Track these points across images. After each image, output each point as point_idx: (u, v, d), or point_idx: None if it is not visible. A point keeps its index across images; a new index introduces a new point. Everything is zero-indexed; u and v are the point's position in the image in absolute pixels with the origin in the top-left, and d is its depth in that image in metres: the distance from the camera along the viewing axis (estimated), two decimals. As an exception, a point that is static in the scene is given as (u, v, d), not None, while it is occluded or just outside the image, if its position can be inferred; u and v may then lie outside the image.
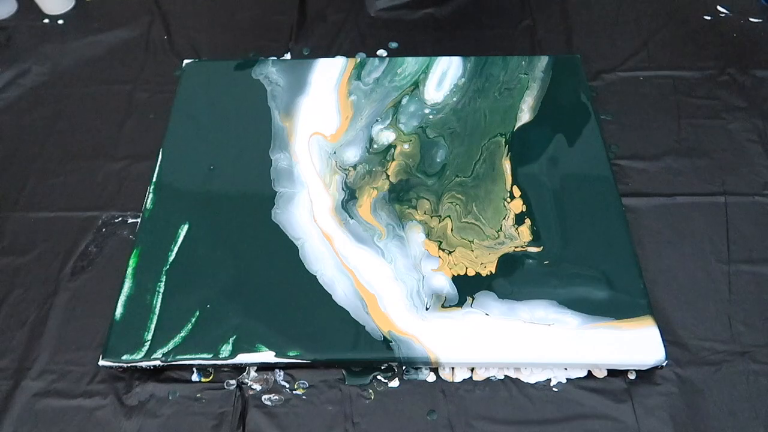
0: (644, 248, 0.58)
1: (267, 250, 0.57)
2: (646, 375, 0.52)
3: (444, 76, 0.70)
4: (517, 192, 0.60)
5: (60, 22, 0.80)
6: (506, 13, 0.80)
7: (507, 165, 0.62)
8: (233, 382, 0.52)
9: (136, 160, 0.66)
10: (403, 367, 0.52)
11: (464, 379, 0.52)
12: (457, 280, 0.54)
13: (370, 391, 0.51)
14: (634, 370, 0.52)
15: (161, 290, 0.54)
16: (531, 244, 0.57)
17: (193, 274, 0.55)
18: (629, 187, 0.63)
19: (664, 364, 0.50)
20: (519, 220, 0.58)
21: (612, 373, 0.52)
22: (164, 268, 0.56)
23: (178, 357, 0.51)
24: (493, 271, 0.55)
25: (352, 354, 0.51)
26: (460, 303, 0.53)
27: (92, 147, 0.67)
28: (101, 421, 0.50)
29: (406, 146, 0.64)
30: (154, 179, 0.62)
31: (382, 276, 0.55)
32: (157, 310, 0.53)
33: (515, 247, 0.57)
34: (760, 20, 0.78)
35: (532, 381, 0.52)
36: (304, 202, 0.60)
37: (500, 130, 0.65)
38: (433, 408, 0.51)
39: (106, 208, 0.62)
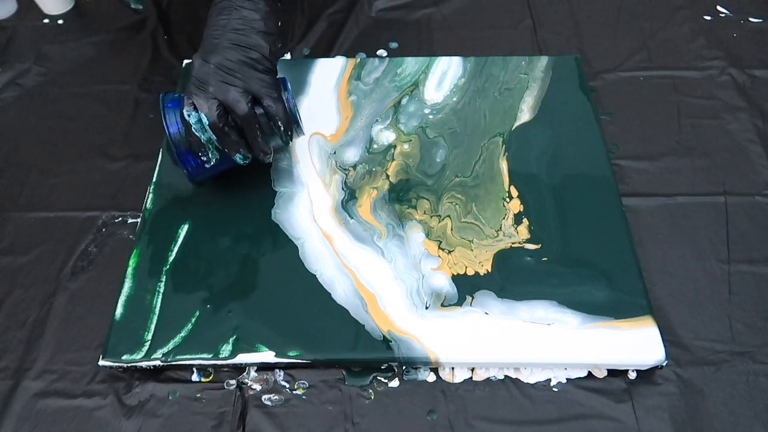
0: (644, 248, 0.58)
1: (267, 249, 0.57)
2: (646, 375, 0.52)
3: (444, 76, 0.70)
4: (515, 192, 0.60)
5: (60, 22, 0.80)
6: (506, 13, 0.80)
7: (504, 165, 0.62)
8: (233, 382, 0.52)
9: (136, 160, 0.66)
10: (403, 367, 0.52)
11: (464, 380, 0.52)
12: (456, 279, 0.54)
13: (370, 391, 0.51)
14: (634, 370, 0.52)
15: (161, 290, 0.54)
16: (529, 242, 0.57)
17: (193, 274, 0.55)
18: (629, 187, 0.63)
19: (664, 364, 0.50)
20: (518, 220, 0.58)
21: (612, 373, 0.52)
22: (164, 268, 0.56)
23: (178, 357, 0.51)
24: (490, 269, 0.55)
25: (352, 354, 0.51)
26: (460, 302, 0.53)
27: (92, 147, 0.67)
28: (101, 421, 0.50)
29: (406, 146, 0.64)
30: (154, 179, 0.62)
31: (381, 275, 0.55)
32: (157, 310, 0.53)
33: (512, 244, 0.57)
34: (760, 20, 0.78)
35: (532, 381, 0.52)
36: (304, 201, 0.60)
37: (500, 130, 0.65)
38: (433, 408, 0.51)
39: (106, 208, 0.62)
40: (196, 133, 0.50)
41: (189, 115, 0.50)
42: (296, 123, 0.55)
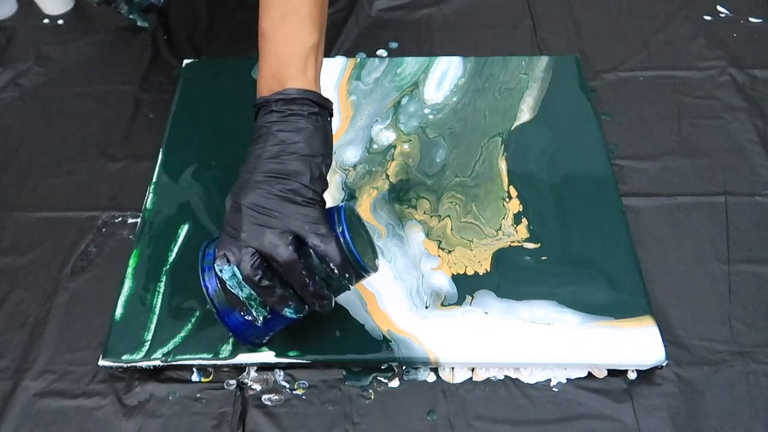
0: (644, 248, 0.58)
1: (267, 250, 0.57)
2: (646, 375, 0.52)
3: (444, 76, 0.70)
4: (513, 192, 0.60)
5: (60, 22, 0.80)
6: (506, 13, 0.80)
7: (503, 165, 0.62)
8: (233, 382, 0.52)
9: (136, 160, 0.66)
10: (403, 367, 0.52)
11: (464, 380, 0.52)
12: (456, 278, 0.54)
13: (370, 391, 0.51)
14: (634, 370, 0.52)
15: (161, 290, 0.54)
16: (528, 242, 0.57)
17: (193, 274, 0.55)
18: (629, 187, 0.63)
19: (664, 364, 0.50)
20: (518, 219, 0.58)
21: (612, 373, 0.52)
22: (164, 268, 0.56)
23: (178, 357, 0.51)
24: (489, 268, 0.55)
25: (351, 354, 0.51)
26: (460, 301, 0.53)
27: (92, 147, 0.68)
28: (101, 421, 0.50)
29: (405, 146, 0.64)
30: (154, 179, 0.62)
31: (381, 275, 0.55)
32: (157, 310, 0.53)
33: (511, 242, 0.56)
34: (760, 20, 0.78)
35: (532, 381, 0.52)
36: (304, 202, 0.60)
37: (500, 130, 0.65)
38: (433, 408, 0.50)
39: (106, 208, 0.62)
40: (232, 290, 0.42)
41: (221, 270, 0.42)
42: (356, 261, 0.43)
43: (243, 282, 0.42)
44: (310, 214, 0.42)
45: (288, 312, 0.43)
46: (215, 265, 0.42)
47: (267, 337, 0.48)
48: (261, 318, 0.44)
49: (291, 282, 0.42)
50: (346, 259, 0.43)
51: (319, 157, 0.44)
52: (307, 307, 0.44)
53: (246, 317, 0.43)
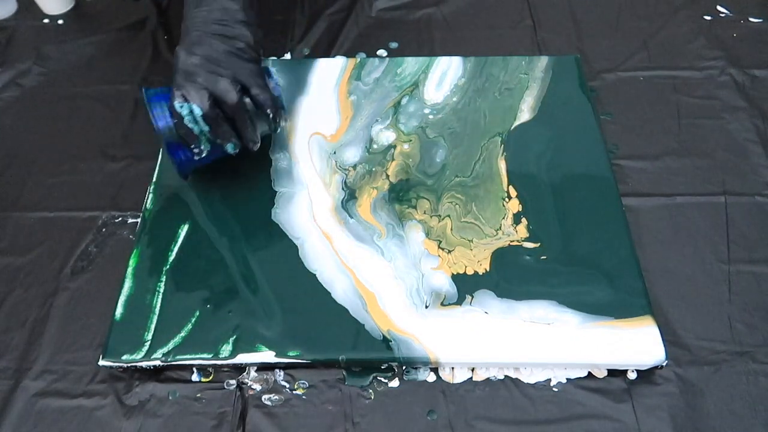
0: (644, 248, 0.58)
1: (267, 249, 0.57)
2: (646, 375, 0.52)
3: (444, 76, 0.70)
4: (513, 192, 0.60)
5: (60, 22, 0.80)
6: (506, 13, 0.80)
7: (503, 165, 0.62)
8: (233, 382, 0.52)
9: (136, 160, 0.66)
10: (403, 367, 0.52)
11: (464, 380, 0.52)
12: (456, 278, 0.54)
13: (370, 391, 0.51)
14: (634, 370, 0.52)
15: (161, 290, 0.54)
16: (528, 241, 0.57)
17: (193, 274, 0.55)
18: (629, 187, 0.63)
19: (664, 364, 0.50)
20: (518, 219, 0.58)
21: (612, 373, 0.52)
22: (164, 268, 0.56)
23: (178, 357, 0.51)
24: (488, 267, 0.55)
25: (351, 354, 0.51)
26: (460, 301, 0.53)
27: (92, 147, 0.68)
28: (101, 421, 0.50)
29: (405, 146, 0.64)
30: (154, 179, 0.62)
31: (381, 274, 0.55)
32: (157, 310, 0.53)
33: (510, 242, 0.57)
34: (760, 20, 0.78)
35: (532, 381, 0.52)
36: (304, 201, 0.60)
37: (500, 130, 0.65)
38: (433, 408, 0.50)
39: (106, 208, 0.62)
40: (189, 125, 0.51)
41: (181, 107, 0.50)
42: (283, 109, 0.56)
43: (199, 118, 0.50)
44: (254, 69, 0.52)
45: (229, 146, 0.53)
46: (175, 102, 0.50)
47: (194, 168, 0.58)
48: (205, 152, 0.53)
49: (236, 122, 0.52)
50: (276, 106, 0.54)
51: (254, 26, 0.53)
52: (241, 146, 0.54)
53: (194, 150, 0.53)
